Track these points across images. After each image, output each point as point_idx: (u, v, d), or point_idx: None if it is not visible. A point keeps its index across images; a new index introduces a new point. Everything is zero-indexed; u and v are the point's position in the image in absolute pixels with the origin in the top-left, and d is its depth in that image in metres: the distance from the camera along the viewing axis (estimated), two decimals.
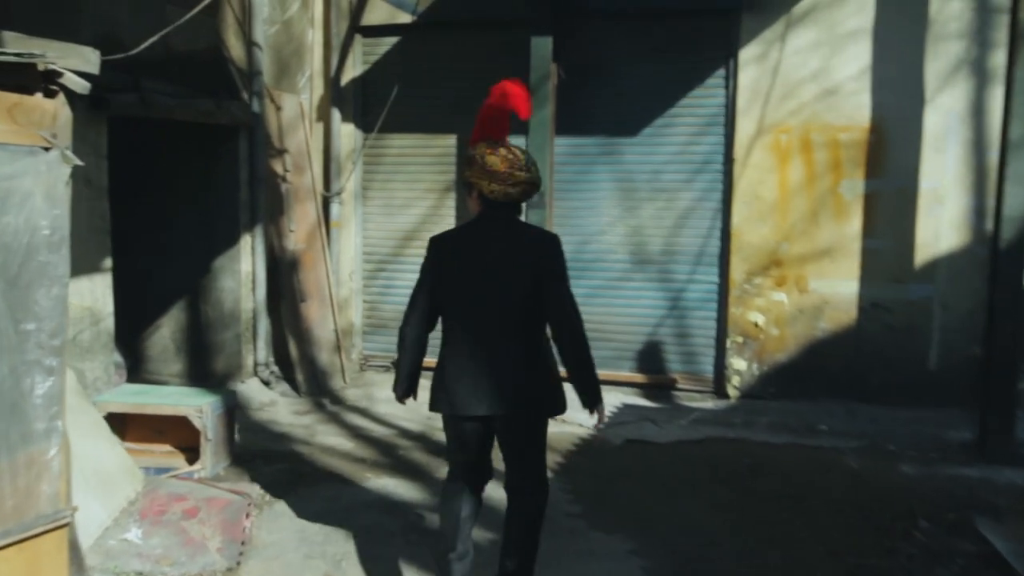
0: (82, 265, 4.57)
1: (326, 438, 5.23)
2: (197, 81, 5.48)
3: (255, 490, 4.05)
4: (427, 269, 2.85)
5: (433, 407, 2.85)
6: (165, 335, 6.36)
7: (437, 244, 2.87)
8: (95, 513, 3.29)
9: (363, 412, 5.92)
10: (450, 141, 6.69)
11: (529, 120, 5.56)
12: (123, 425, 4.48)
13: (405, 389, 2.99)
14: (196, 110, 5.30)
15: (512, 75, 3.26)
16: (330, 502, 4.05)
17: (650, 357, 6.33)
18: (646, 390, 6.29)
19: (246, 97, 6.06)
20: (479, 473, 2.95)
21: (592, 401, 2.80)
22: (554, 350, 2.87)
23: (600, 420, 2.86)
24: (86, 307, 4.61)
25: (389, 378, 6.76)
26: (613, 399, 6.20)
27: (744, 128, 5.86)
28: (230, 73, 5.88)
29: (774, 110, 5.79)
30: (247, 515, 3.59)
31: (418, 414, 5.82)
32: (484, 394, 2.72)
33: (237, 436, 4.73)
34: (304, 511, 3.90)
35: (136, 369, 6.43)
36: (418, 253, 6.19)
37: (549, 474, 3.11)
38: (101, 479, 3.47)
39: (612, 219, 6.36)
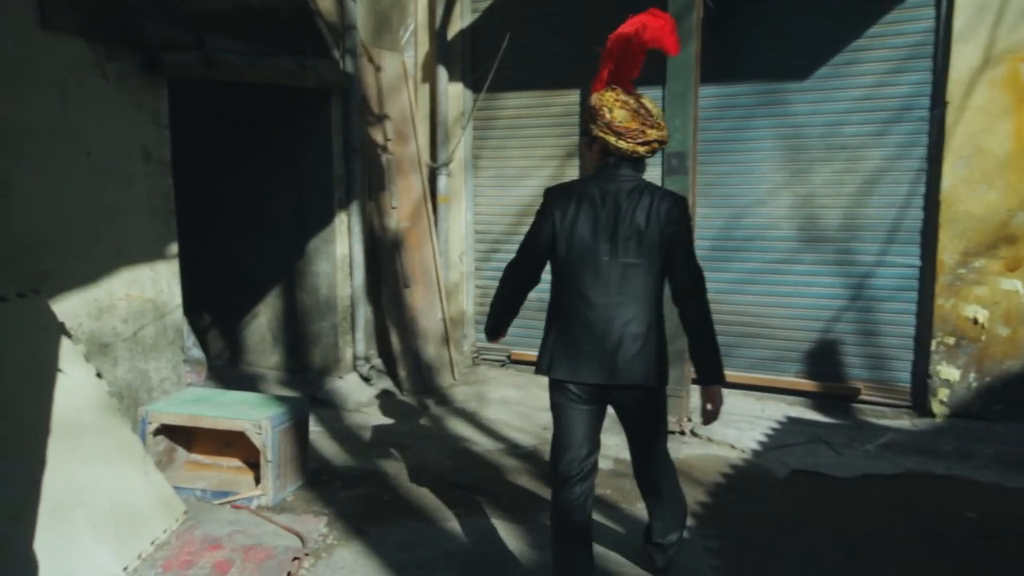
0: (142, 251, 3.99)
1: (422, 452, 4.43)
2: (277, 38, 4.78)
3: (318, 527, 3.30)
4: (543, 220, 2.63)
5: (548, 371, 2.63)
6: (262, 324, 5.83)
7: (556, 195, 2.63)
8: (104, 564, 2.64)
9: (470, 417, 5.08)
10: (572, 98, 5.64)
11: (667, 62, 4.42)
12: (190, 436, 3.90)
13: (496, 325, 2.89)
14: (273, 71, 4.60)
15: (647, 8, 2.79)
16: (405, 551, 3.21)
17: (824, 359, 5.03)
18: (818, 401, 5.01)
19: (337, 56, 5.32)
20: (591, 468, 2.66)
21: (717, 376, 2.64)
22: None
23: (716, 406, 2.67)
24: (148, 299, 4.04)
25: (504, 375, 5.90)
26: (774, 410, 4.97)
27: (963, 58, 4.37)
28: (318, 28, 5.15)
29: (1010, 30, 4.25)
30: (289, 574, 2.81)
31: (533, 423, 4.91)
32: (610, 361, 2.55)
33: (311, 450, 4.02)
34: (370, 564, 3.09)
35: (235, 360, 5.97)
36: None
37: (689, 520, 2.96)
38: (121, 518, 2.82)
39: (774, 186, 5.08)
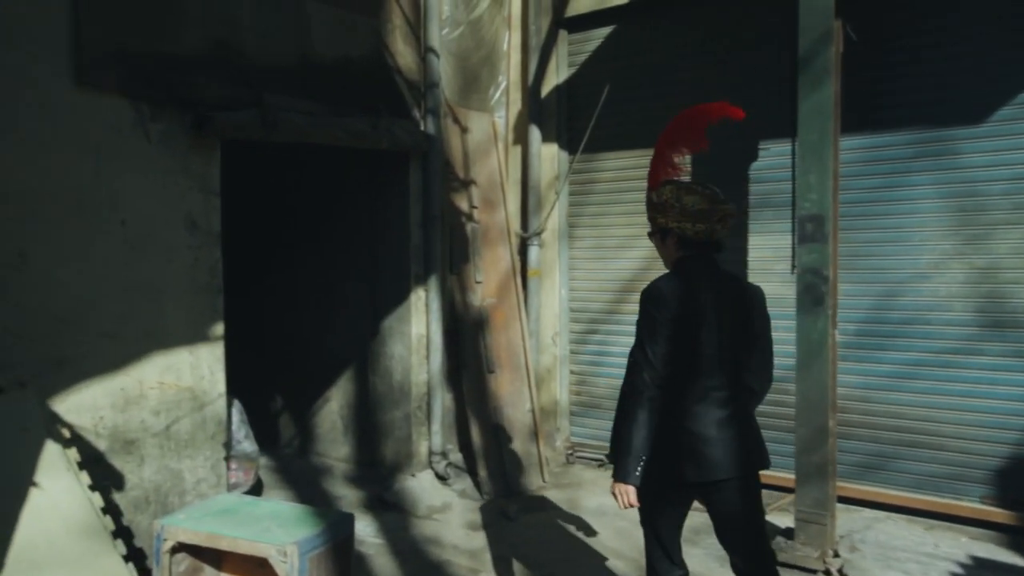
0: (181, 333, 3.51)
1: None
2: (349, 96, 4.34)
3: None
4: (664, 319, 2.43)
5: (666, 477, 2.47)
6: (333, 410, 5.28)
7: (665, 291, 2.47)
8: None
9: (561, 532, 4.23)
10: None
11: (799, 108, 3.62)
12: (219, 552, 3.28)
13: (635, 469, 2.41)
14: (342, 132, 4.14)
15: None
16: None
17: (1020, 481, 3.86)
18: (1014, 537, 3.82)
19: (418, 116, 4.84)
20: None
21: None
22: None
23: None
24: (185, 387, 3.54)
25: (601, 477, 5.03)
26: (952, 546, 3.83)
27: None
28: (396, 86, 4.70)
29: None
30: None
31: (632, 544, 4.00)
32: (739, 452, 2.45)
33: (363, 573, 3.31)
34: None
35: (304, 449, 5.42)
36: (636, 309, 4.60)
37: None
38: None
39: (941, 256, 4.06)
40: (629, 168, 5.10)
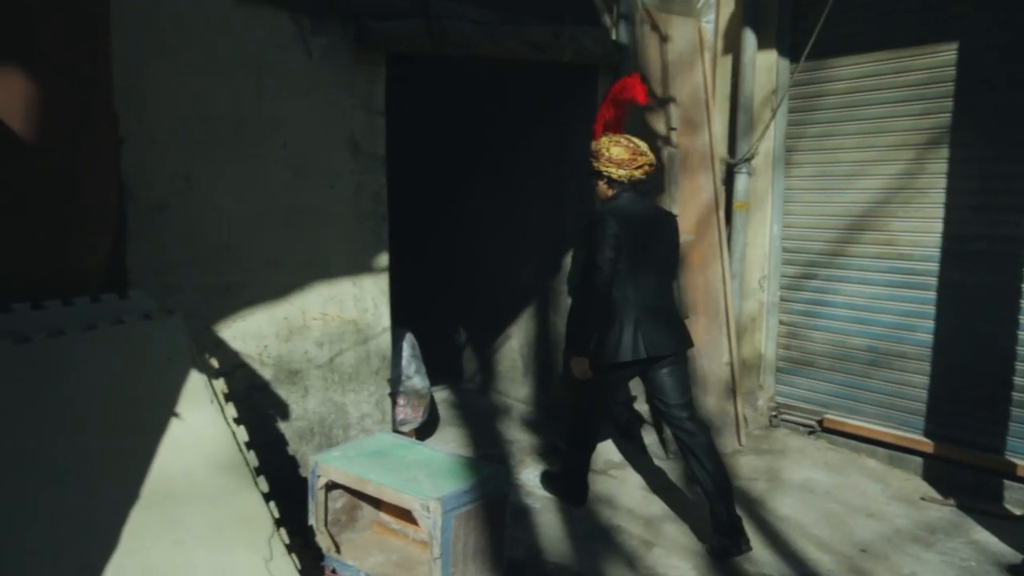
0: (344, 262, 3.35)
1: (667, 555, 3.17)
2: (524, 2, 3.86)
3: None
4: (613, 236, 3.15)
5: (618, 358, 3.20)
6: (514, 348, 5.01)
7: (612, 215, 3.20)
8: None
9: (755, 508, 3.65)
10: (943, 57, 3.85)
11: None
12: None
13: (587, 346, 3.24)
14: (517, 42, 3.68)
15: None
16: None
17: None
18: None
19: (608, 23, 4.24)
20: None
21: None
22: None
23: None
24: (349, 319, 3.40)
25: (812, 447, 4.35)
26: None
27: None
28: None
29: None
30: None
31: (843, 536, 3.33)
32: (670, 336, 3.27)
33: (515, 535, 3.01)
34: None
35: (486, 386, 5.26)
36: (875, 252, 4.20)
37: None
38: None
39: None
40: (869, 75, 4.13)
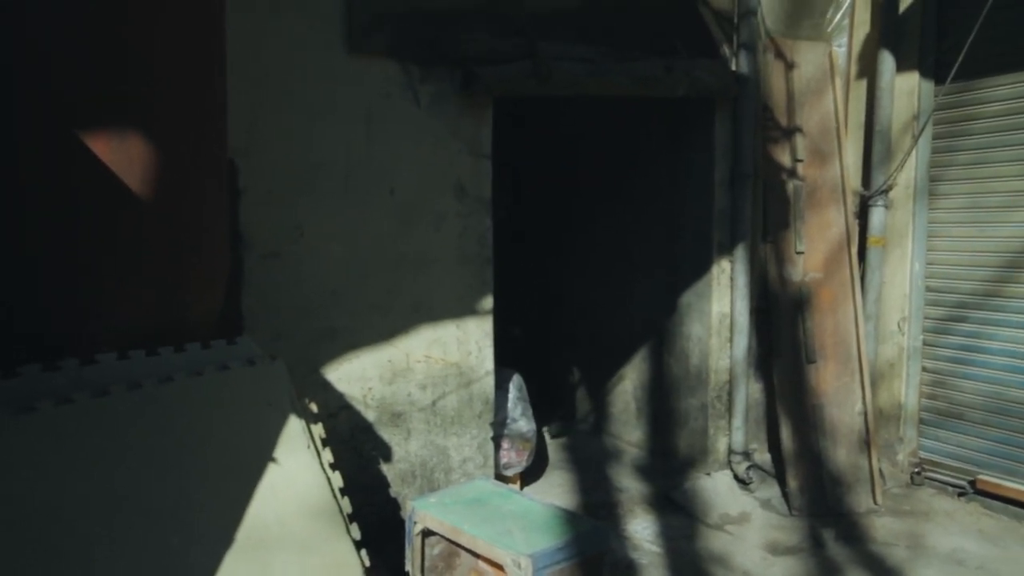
0: (448, 305, 3.37)
1: None
2: (637, 36, 3.76)
3: None
4: None
5: None
6: (627, 390, 4.85)
7: None
8: None
9: None
10: None
11: None
12: None
13: None
14: (627, 78, 3.58)
15: None
16: None
17: None
18: None
19: (727, 53, 4.05)
20: None
21: None
22: None
23: None
24: (452, 362, 3.40)
25: (962, 511, 3.92)
26: None
27: None
28: (698, 18, 3.96)
29: None
30: None
31: None
32: None
33: None
34: None
35: (599, 428, 5.12)
36: None
37: None
38: None
39: None
40: None
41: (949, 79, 3.76)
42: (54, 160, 2.16)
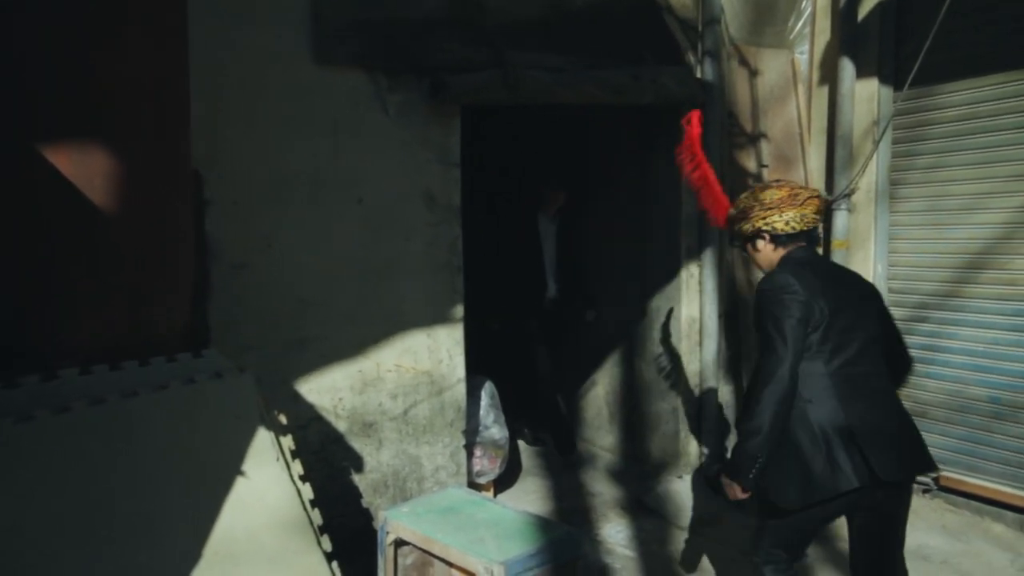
0: (418, 314, 3.37)
1: None
2: (605, 46, 3.80)
3: None
4: (800, 306, 2.25)
5: (822, 490, 2.25)
6: (599, 395, 4.88)
7: (792, 278, 2.29)
8: None
9: None
10: None
11: None
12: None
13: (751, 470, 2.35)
14: (594, 86, 3.62)
15: None
16: None
17: None
18: None
19: (692, 61, 4.11)
20: None
21: None
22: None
23: None
24: (423, 371, 3.39)
25: (924, 506, 3.99)
26: None
27: None
28: (664, 28, 4.02)
29: None
30: None
31: None
32: (905, 452, 2.38)
33: None
34: None
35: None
36: (996, 293, 3.83)
37: None
38: None
39: None
40: (984, 101, 3.79)
41: (907, 85, 3.85)
42: (15, 174, 2.12)
